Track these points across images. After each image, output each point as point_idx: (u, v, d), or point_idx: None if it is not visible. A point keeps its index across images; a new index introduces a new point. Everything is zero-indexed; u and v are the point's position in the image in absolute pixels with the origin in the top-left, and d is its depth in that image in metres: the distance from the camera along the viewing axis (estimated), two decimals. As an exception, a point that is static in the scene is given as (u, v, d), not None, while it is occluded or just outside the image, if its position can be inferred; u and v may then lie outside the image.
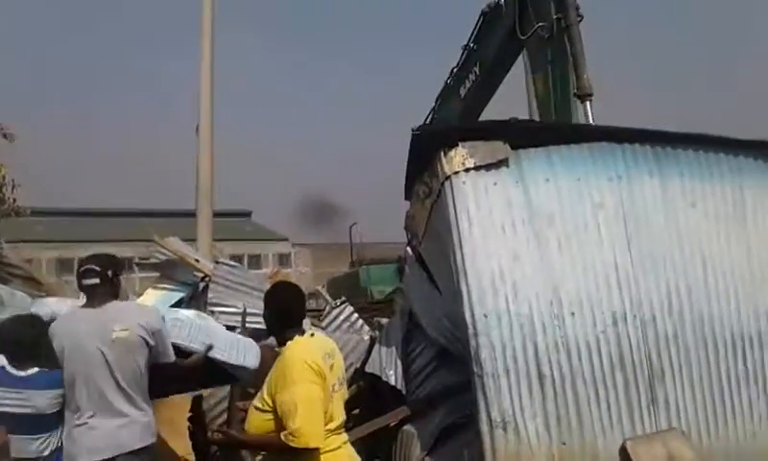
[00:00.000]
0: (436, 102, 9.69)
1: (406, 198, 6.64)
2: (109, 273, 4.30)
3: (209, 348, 4.86)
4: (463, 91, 9.02)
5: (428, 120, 9.71)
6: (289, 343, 3.80)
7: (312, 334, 3.95)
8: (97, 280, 4.24)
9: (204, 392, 6.33)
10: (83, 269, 4.27)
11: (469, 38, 8.93)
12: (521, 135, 5.62)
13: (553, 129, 6.17)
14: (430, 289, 6.52)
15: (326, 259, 39.30)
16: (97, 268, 4.27)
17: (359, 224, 20.47)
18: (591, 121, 6.88)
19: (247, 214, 53.58)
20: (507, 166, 5.54)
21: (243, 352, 5.19)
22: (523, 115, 10.12)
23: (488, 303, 5.29)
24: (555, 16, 7.27)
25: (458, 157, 5.46)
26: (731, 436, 5.58)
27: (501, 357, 5.25)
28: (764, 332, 5.75)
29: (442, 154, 5.48)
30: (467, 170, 5.46)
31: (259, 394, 3.80)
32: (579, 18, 7.20)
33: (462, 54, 9.11)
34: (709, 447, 5.51)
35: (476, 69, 8.82)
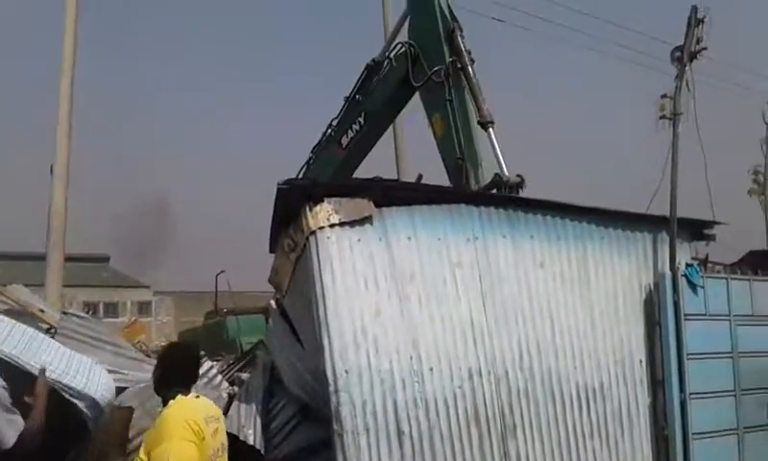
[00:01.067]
0: (312, 152, 9.53)
1: (271, 251, 6.41)
2: None
3: (43, 370, 3.87)
4: (345, 140, 8.93)
5: (303, 172, 9.55)
6: (171, 402, 3.68)
7: (197, 396, 3.84)
8: None
9: None
10: None
11: (353, 90, 8.89)
12: (385, 194, 5.58)
13: (415, 189, 6.18)
14: (293, 343, 6.30)
15: (190, 308, 37.42)
16: None
17: (227, 272, 19.53)
18: (496, 146, 7.03)
19: (105, 259, 50.03)
20: (371, 223, 5.46)
21: (88, 376, 4.27)
22: (390, 174, 10.11)
23: (350, 358, 5.14)
24: (450, 59, 7.48)
25: (323, 213, 5.33)
26: (576, 487, 5.68)
27: (361, 414, 5.09)
28: (606, 386, 5.96)
29: (307, 209, 5.33)
30: (331, 226, 5.34)
31: (136, 456, 3.64)
32: (471, 61, 7.46)
33: (344, 105, 9.03)
34: (557, 498, 5.58)
35: (360, 119, 8.78)
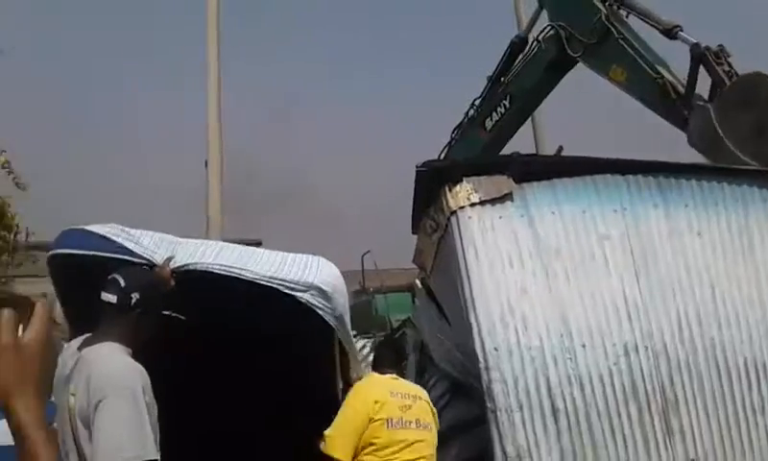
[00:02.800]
0: (453, 134, 9.20)
1: (413, 232, 6.24)
2: (134, 297, 2.69)
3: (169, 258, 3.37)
4: (489, 124, 8.48)
5: (444, 153, 9.20)
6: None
7: (395, 377, 4.15)
8: (113, 298, 2.69)
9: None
10: (109, 277, 2.79)
11: (496, 70, 8.46)
12: (524, 170, 5.25)
13: (556, 162, 5.77)
14: (440, 322, 6.10)
15: None
16: (122, 282, 2.72)
17: (372, 252, 19.54)
18: (693, 42, 6.25)
19: (257, 243, 52.42)
20: (512, 200, 5.15)
21: (304, 268, 3.58)
22: (528, 149, 9.56)
23: (498, 336, 4.87)
24: (604, 3, 6.90)
25: (463, 193, 5.09)
26: (748, 465, 5.05)
27: (514, 391, 4.81)
28: (777, 359, 5.25)
29: (447, 189, 5.11)
30: (472, 205, 5.09)
31: None
32: None
33: (486, 86, 8.59)
34: (727, 476, 4.99)
35: (506, 102, 8.27)
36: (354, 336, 8.09)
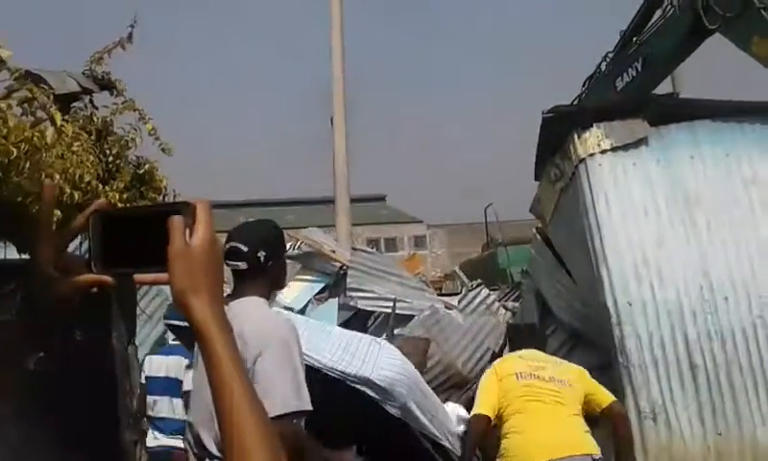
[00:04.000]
0: (584, 85, 8.53)
1: (536, 179, 5.84)
2: (261, 255, 2.63)
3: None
4: (620, 84, 7.57)
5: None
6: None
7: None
8: (243, 265, 2.65)
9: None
10: (226, 247, 2.70)
11: (629, 27, 7.64)
12: (661, 112, 4.73)
13: (696, 104, 5.18)
14: (560, 273, 5.74)
15: (462, 240, 37.28)
16: (244, 248, 2.67)
17: (494, 204, 19.05)
18: None
19: (381, 198, 52.32)
20: (647, 145, 4.67)
21: (364, 358, 3.48)
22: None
23: (631, 290, 4.49)
24: None
25: (593, 139, 4.67)
26: None
27: (648, 347, 4.44)
28: None
29: (575, 136, 4.69)
30: (603, 152, 4.66)
31: None
32: None
33: (619, 41, 7.78)
34: None
35: (638, 65, 7.38)
36: (479, 285, 7.88)
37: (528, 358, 3.60)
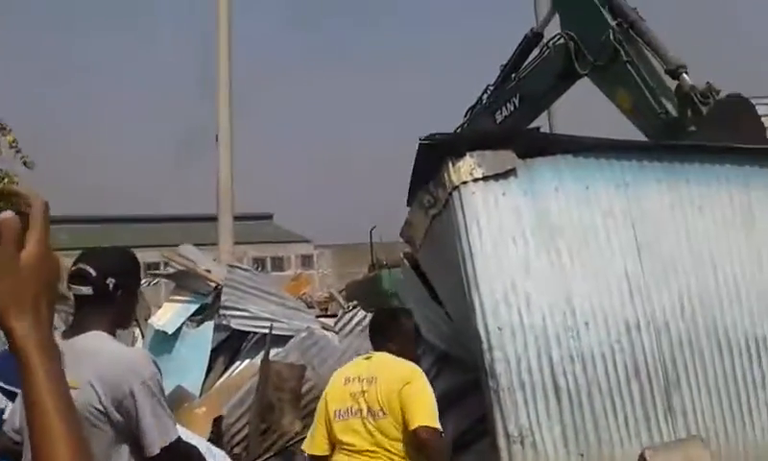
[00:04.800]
0: (465, 115, 8.41)
1: (408, 205, 5.81)
2: (110, 282, 2.33)
3: None
4: (499, 117, 7.66)
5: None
6: None
7: (368, 356, 3.60)
8: (88, 290, 2.33)
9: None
10: (73, 269, 2.37)
11: (509, 62, 7.73)
12: (529, 145, 4.83)
13: (559, 139, 5.35)
14: (426, 296, 5.72)
15: (349, 260, 37.11)
16: (92, 271, 2.34)
17: (379, 226, 19.03)
18: (690, 85, 5.68)
19: (268, 217, 51.44)
20: (515, 176, 4.74)
21: None
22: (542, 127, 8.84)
23: (502, 315, 4.51)
24: (615, 22, 6.17)
25: (466, 167, 4.67)
26: (749, 439, 4.77)
27: (516, 371, 4.47)
28: (778, 336, 4.94)
29: (449, 163, 4.69)
30: (475, 180, 4.67)
31: None
32: (641, 18, 6.12)
33: (499, 75, 7.86)
34: (728, 451, 4.72)
35: (515, 100, 7.47)
36: (356, 306, 7.74)
37: (354, 378, 3.39)
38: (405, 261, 6.58)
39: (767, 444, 4.77)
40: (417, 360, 3.76)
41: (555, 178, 4.81)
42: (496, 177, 4.69)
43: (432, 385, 5.65)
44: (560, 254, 4.69)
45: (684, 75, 5.59)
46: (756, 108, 5.47)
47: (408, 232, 5.93)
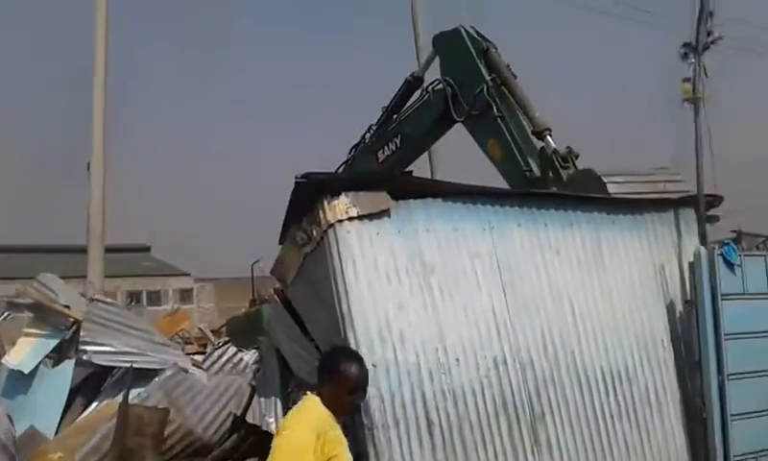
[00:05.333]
0: (350, 152, 8.47)
1: (280, 243, 5.69)
2: None
3: None
4: (381, 156, 7.82)
5: (341, 170, 8.42)
6: None
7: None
8: None
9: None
10: None
11: (391, 103, 7.84)
12: (402, 187, 4.89)
13: (430, 183, 5.47)
14: (297, 334, 5.61)
15: (231, 295, 35.56)
16: None
17: (261, 261, 18.38)
18: (553, 148, 6.07)
19: (146, 249, 48.49)
20: (389, 216, 4.76)
21: None
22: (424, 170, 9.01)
23: (376, 352, 4.48)
24: (490, 77, 6.45)
25: (341, 206, 4.65)
26: (608, 469, 4.99)
27: (390, 407, 4.44)
28: (630, 368, 5.26)
29: (325, 202, 4.63)
30: (350, 219, 4.65)
31: None
32: (513, 76, 6.45)
33: (382, 116, 7.96)
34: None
35: (397, 141, 7.65)
36: (226, 342, 7.42)
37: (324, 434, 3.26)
38: (276, 297, 6.41)
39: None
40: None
41: (426, 219, 4.88)
42: (371, 216, 4.70)
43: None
44: (432, 293, 4.74)
45: (549, 137, 5.93)
46: (607, 185, 5.86)
47: (280, 270, 5.80)
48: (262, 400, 5.89)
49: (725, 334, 5.39)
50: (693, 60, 6.34)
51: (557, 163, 5.80)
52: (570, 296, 5.22)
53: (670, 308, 5.60)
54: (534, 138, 6.20)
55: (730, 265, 5.55)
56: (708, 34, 6.33)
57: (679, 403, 5.43)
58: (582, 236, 5.43)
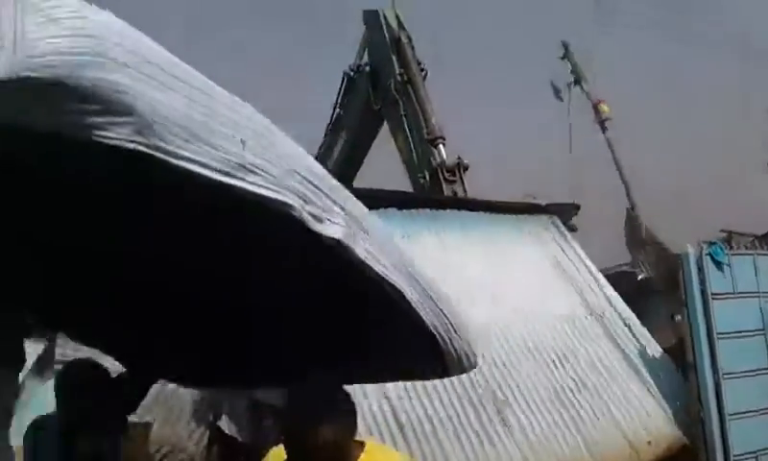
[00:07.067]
0: (317, 157, 7.68)
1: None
2: None
3: None
4: (336, 150, 7.34)
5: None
6: None
7: None
8: None
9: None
10: None
11: (336, 99, 7.38)
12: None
13: (359, 192, 5.27)
14: None
15: None
16: None
17: None
18: (441, 160, 5.79)
19: None
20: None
21: None
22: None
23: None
24: (399, 72, 6.18)
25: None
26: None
27: (360, 419, 3.77)
28: (570, 344, 5.07)
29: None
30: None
31: None
32: (421, 72, 6.20)
33: (332, 112, 7.49)
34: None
35: (344, 134, 7.20)
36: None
37: None
38: None
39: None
40: None
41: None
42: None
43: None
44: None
45: (441, 147, 5.86)
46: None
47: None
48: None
49: (717, 333, 5.13)
50: None
51: (441, 176, 5.71)
52: (486, 288, 4.99)
53: (573, 287, 5.56)
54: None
55: (718, 265, 5.32)
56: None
57: (629, 369, 5.18)
58: (479, 235, 5.37)
